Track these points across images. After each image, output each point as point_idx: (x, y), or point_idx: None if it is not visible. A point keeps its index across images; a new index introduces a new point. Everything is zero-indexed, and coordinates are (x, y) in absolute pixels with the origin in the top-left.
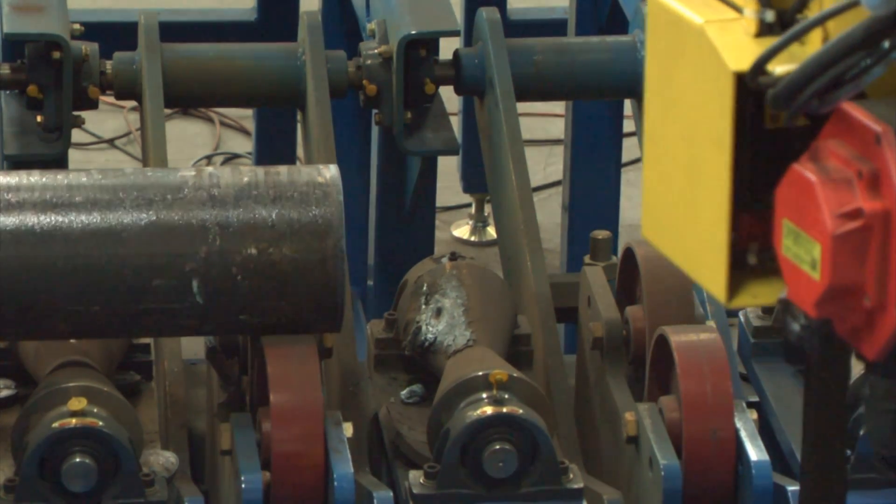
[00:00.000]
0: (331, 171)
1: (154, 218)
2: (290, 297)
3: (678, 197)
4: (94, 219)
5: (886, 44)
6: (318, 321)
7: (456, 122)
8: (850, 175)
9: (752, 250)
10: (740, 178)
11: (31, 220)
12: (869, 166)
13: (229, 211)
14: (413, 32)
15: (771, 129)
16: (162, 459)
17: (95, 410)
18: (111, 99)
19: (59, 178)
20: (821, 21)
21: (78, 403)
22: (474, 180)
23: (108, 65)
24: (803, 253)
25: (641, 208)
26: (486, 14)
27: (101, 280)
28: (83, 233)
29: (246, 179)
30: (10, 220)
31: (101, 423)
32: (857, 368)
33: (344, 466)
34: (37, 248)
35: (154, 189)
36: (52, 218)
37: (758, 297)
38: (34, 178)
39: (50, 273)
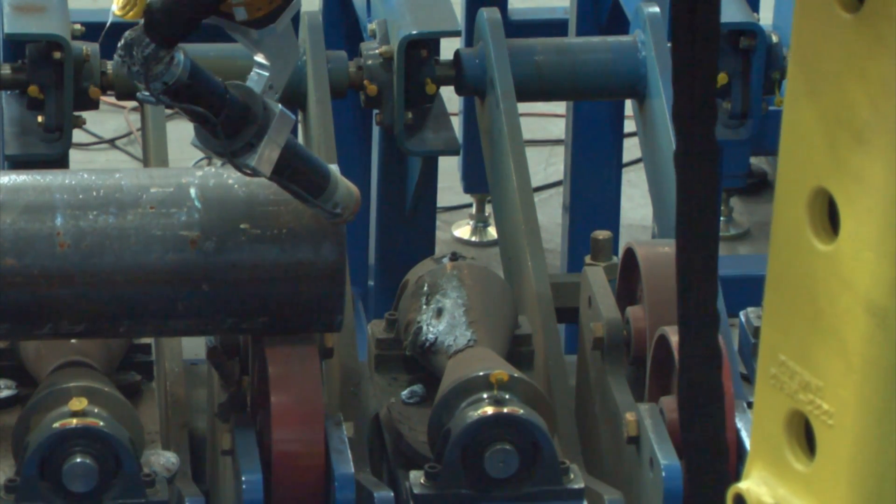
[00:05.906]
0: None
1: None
2: (290, 202)
3: None
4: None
5: None
6: (320, 233)
7: (456, 123)
8: None
9: None
10: None
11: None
12: None
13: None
14: (414, 33)
15: None
16: (162, 459)
17: (96, 410)
18: (112, 99)
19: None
20: None
21: (79, 403)
22: (475, 180)
23: (109, 65)
24: None
25: None
26: (487, 14)
27: (97, 189)
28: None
29: None
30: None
31: (101, 424)
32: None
33: (344, 467)
34: (35, 179)
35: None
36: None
37: None
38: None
39: (48, 186)
